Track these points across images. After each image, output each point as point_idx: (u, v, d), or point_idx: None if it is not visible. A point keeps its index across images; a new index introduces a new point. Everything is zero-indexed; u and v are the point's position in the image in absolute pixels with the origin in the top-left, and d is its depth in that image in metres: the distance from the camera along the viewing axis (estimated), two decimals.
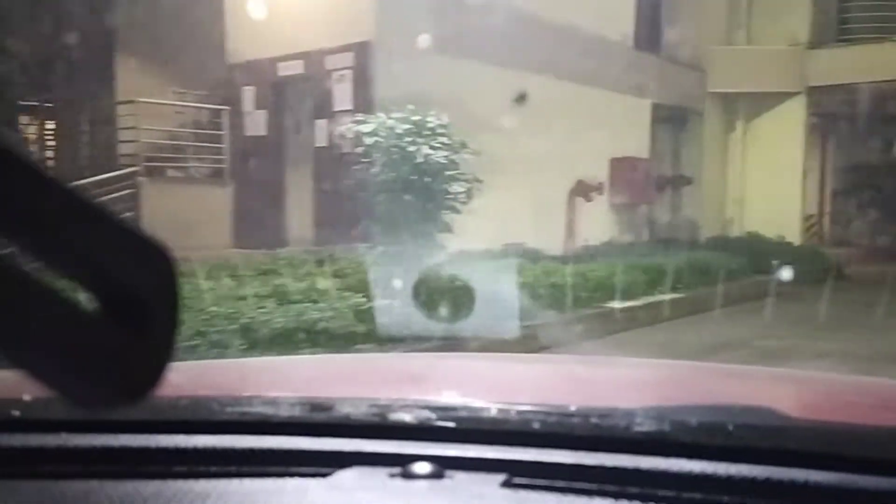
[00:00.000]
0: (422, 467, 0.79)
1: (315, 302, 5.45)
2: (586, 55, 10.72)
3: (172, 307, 0.40)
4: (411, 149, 6.08)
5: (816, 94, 14.10)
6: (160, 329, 0.40)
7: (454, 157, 6.35)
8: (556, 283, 7.44)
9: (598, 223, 11.23)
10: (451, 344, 5.14)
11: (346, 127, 6.90)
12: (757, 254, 11.12)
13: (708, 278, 9.35)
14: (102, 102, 10.31)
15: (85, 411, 0.71)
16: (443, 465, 0.79)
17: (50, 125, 11.27)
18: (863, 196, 16.46)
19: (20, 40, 9.64)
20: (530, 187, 9.89)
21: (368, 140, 6.22)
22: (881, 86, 14.01)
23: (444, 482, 0.78)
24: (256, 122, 10.09)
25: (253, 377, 1.42)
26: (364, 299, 5.55)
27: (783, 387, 1.41)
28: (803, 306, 8.63)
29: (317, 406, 0.90)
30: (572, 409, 0.86)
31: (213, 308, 4.97)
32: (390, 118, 6.23)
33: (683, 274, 9.26)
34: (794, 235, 13.46)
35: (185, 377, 1.07)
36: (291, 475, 0.81)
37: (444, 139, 6.31)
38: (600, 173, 11.30)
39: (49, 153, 11.09)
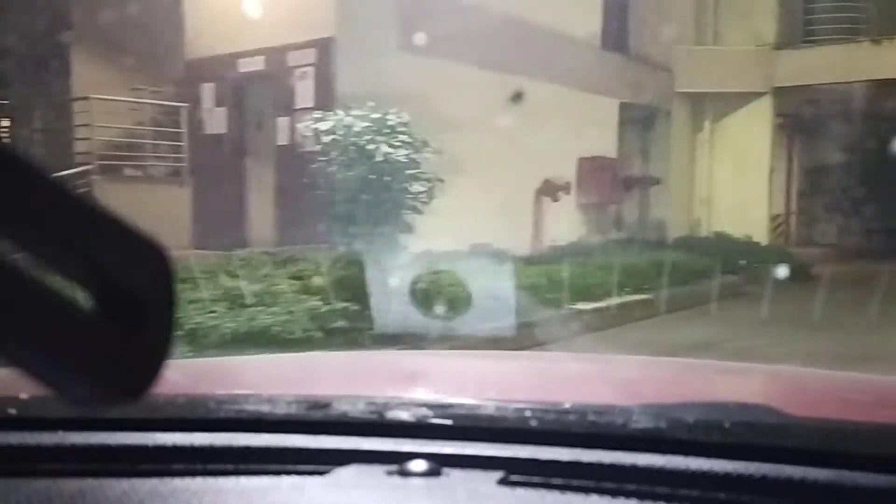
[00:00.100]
0: (419, 465, 0.79)
1: (269, 305, 5.25)
2: (553, 54, 10.61)
3: (169, 305, 0.41)
4: (370, 147, 5.90)
5: (782, 95, 14.15)
6: (156, 327, 0.40)
7: (415, 155, 6.18)
8: (520, 284, 7.29)
9: (566, 223, 11.12)
10: (411, 348, 4.97)
11: (304, 124, 6.70)
12: (724, 254, 11.10)
13: (675, 279, 9.29)
14: (57, 99, 10.00)
15: (82, 409, 0.75)
16: (440, 463, 0.79)
17: (2, 122, 10.92)
18: (829, 196, 16.57)
19: None
20: (497, 187, 9.77)
21: (326, 138, 6.02)
22: (846, 86, 14.11)
23: (441, 480, 0.78)
24: (216, 120, 9.84)
25: (250, 375, 1.42)
26: (321, 303, 5.36)
27: (780, 384, 1.41)
28: (771, 307, 8.59)
29: (314, 404, 0.90)
30: (569, 406, 0.86)
31: None
32: (349, 115, 6.04)
33: (651, 274, 9.19)
34: (761, 235, 13.49)
35: (181, 375, 1.07)
36: (288, 473, 0.81)
37: (405, 137, 6.14)
38: (568, 173, 11.19)
39: None
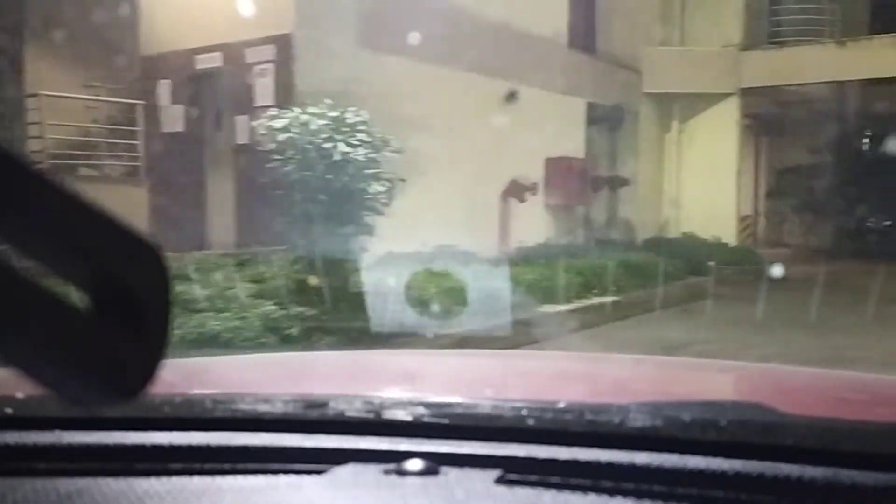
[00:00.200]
0: (416, 464, 0.79)
1: (221, 311, 5.02)
2: (519, 53, 10.46)
3: (165, 305, 0.41)
4: (327, 146, 5.67)
5: (750, 96, 14.16)
6: (153, 327, 0.40)
7: (375, 155, 5.96)
8: (485, 286, 7.12)
9: (533, 224, 10.97)
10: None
11: (259, 123, 6.46)
12: (693, 255, 11.06)
13: (643, 280, 9.21)
14: (7, 97, 9.64)
15: (78, 408, 0.76)
16: (437, 462, 0.79)
17: None
18: (796, 197, 16.64)
19: None
20: (463, 187, 9.60)
21: (281, 137, 5.79)
22: (812, 87, 14.15)
23: (439, 479, 0.78)
24: (173, 118, 9.54)
25: (247, 374, 1.42)
26: (276, 307, 5.13)
27: (776, 382, 1.41)
28: (738, 308, 8.55)
29: (311, 403, 0.90)
30: (566, 404, 0.86)
31: None
32: (305, 113, 5.82)
33: (618, 276, 9.10)
34: (729, 236, 13.48)
35: (178, 374, 1.07)
36: (286, 472, 0.81)
37: (364, 136, 5.92)
38: (535, 173, 11.05)
39: None
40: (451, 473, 0.78)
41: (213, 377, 1.35)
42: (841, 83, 13.84)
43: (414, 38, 9.02)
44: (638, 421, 0.81)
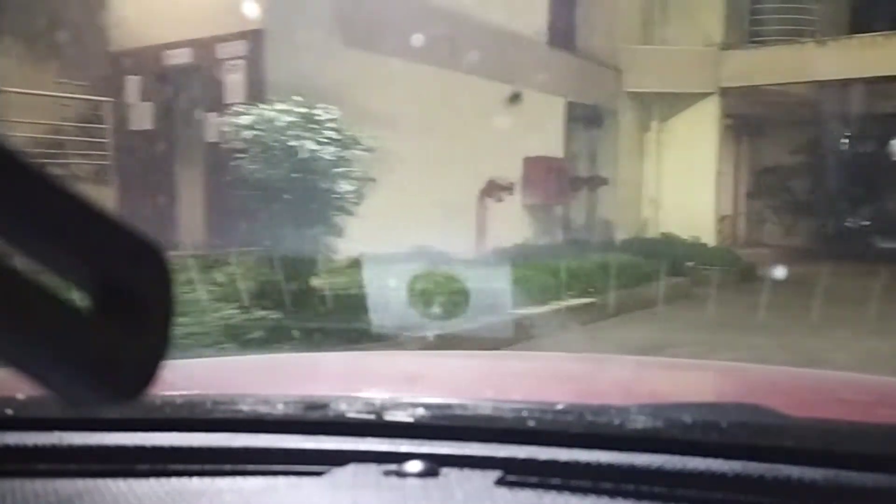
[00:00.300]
0: (416, 465, 0.79)
1: (180, 316, 4.82)
2: (497, 50, 10.31)
3: (166, 305, 0.40)
4: (293, 143, 5.50)
5: (730, 95, 14.10)
6: (154, 327, 0.40)
7: (344, 153, 5.79)
8: (460, 288, 6.97)
9: (511, 225, 10.83)
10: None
11: (223, 120, 6.28)
12: (672, 255, 10.99)
13: (622, 281, 9.11)
14: None
15: (79, 410, 0.79)
16: (437, 463, 0.80)
17: None
18: (775, 197, 16.64)
19: None
20: (439, 187, 9.44)
21: (246, 134, 5.61)
22: (792, 87, 14.11)
23: (439, 480, 0.78)
24: (143, 115, 9.32)
25: (248, 375, 1.41)
26: (238, 311, 4.96)
27: (777, 384, 1.41)
28: (717, 310, 8.48)
29: (311, 404, 0.90)
30: (566, 406, 0.86)
31: None
32: (271, 110, 5.64)
33: (597, 277, 8.99)
34: (708, 236, 13.42)
35: (179, 375, 1.06)
36: (286, 473, 0.81)
37: (333, 134, 5.75)
38: (513, 173, 10.90)
39: None
40: (451, 475, 0.78)
41: (213, 378, 1.34)
42: (821, 83, 13.81)
43: (390, 34, 8.85)
44: (638, 422, 0.81)
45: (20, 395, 0.86)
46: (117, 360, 0.39)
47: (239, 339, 4.66)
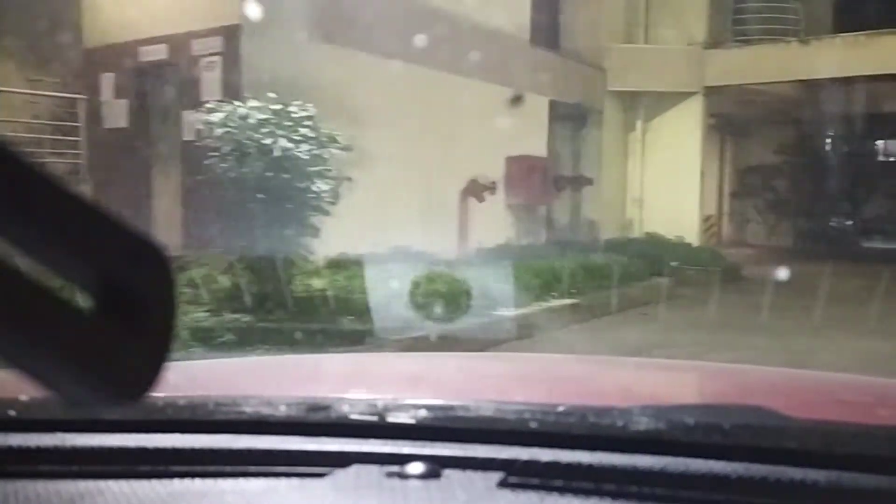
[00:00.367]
0: (418, 467, 0.79)
1: None
2: (480, 48, 10.18)
3: (168, 306, 0.40)
4: (267, 141, 5.34)
5: (714, 95, 14.05)
6: (156, 329, 0.40)
7: (320, 151, 5.64)
8: (440, 289, 6.84)
9: (494, 225, 10.71)
10: None
11: (199, 117, 6.12)
12: (656, 255, 10.91)
13: (605, 282, 9.02)
14: None
15: (81, 411, 0.81)
16: (439, 465, 0.80)
17: None
18: (759, 197, 16.62)
19: None
20: (420, 187, 9.31)
21: (219, 131, 5.45)
22: (776, 86, 14.08)
23: (441, 481, 0.78)
24: (117, 113, 9.13)
25: (250, 377, 1.41)
26: (207, 314, 4.80)
27: (779, 386, 1.41)
28: (701, 310, 8.41)
29: (313, 406, 0.90)
30: (569, 407, 0.86)
31: None
32: (244, 107, 5.48)
33: (580, 277, 8.88)
34: (692, 236, 13.36)
35: (181, 377, 1.05)
36: (288, 475, 0.81)
37: (308, 132, 5.60)
38: (495, 172, 10.78)
39: None
40: (453, 476, 0.78)
41: (215, 380, 1.34)
42: (805, 82, 13.78)
43: (370, 31, 8.71)
44: (641, 424, 0.81)
45: (23, 397, 0.86)
46: (119, 362, 0.39)
47: (208, 342, 4.51)
